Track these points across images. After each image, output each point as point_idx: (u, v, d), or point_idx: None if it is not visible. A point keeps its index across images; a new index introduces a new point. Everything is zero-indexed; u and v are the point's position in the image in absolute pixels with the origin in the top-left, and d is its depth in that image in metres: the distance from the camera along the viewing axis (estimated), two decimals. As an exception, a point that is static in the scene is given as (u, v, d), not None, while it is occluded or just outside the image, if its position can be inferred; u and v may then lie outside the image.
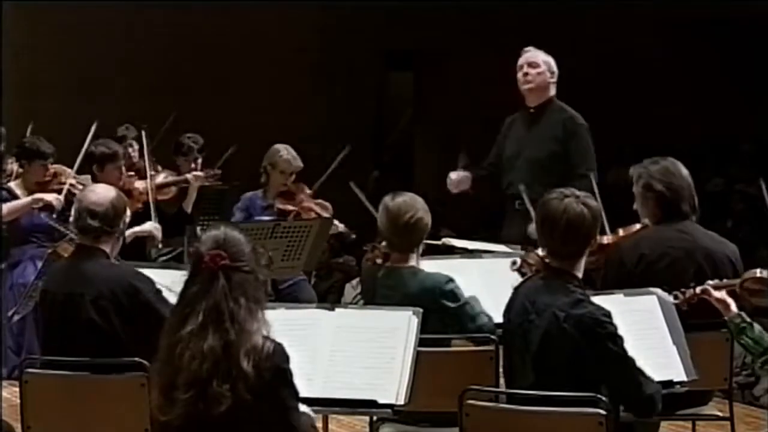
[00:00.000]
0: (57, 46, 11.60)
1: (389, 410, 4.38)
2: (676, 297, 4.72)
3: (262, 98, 12.36)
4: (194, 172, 8.24)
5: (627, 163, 5.64)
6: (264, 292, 3.70)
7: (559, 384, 4.02)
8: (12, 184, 7.56)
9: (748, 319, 4.59)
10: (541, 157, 6.78)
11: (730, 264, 5.12)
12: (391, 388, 4.33)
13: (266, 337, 3.61)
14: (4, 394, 6.02)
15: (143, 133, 8.05)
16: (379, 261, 5.01)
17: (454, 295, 4.88)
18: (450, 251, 6.21)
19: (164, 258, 8.22)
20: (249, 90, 12.40)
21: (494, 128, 7.23)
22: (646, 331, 4.48)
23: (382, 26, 13.01)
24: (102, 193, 4.92)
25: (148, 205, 7.53)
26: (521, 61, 6.92)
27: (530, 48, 6.97)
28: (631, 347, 4.11)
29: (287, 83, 12.65)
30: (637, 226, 5.37)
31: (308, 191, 7.76)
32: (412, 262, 4.99)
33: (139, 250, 7.23)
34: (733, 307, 4.63)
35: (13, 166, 7.84)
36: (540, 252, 4.29)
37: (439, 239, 6.41)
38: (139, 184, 7.80)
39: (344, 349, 4.46)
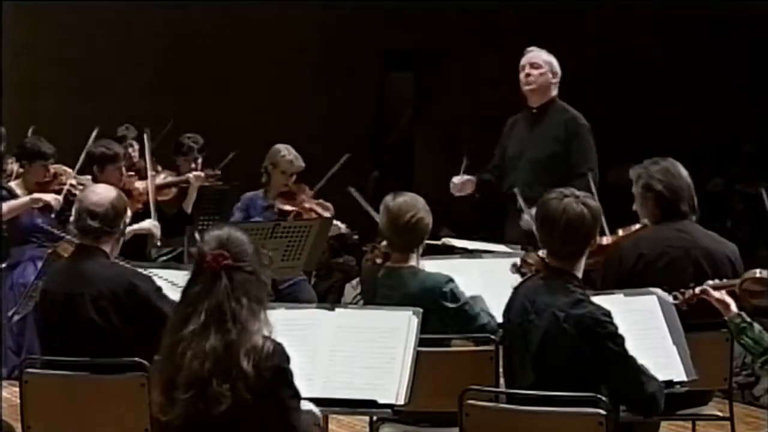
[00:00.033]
0: (57, 46, 11.60)
1: (389, 410, 4.37)
2: (675, 298, 4.72)
3: (262, 98, 12.37)
4: (194, 172, 8.24)
5: (627, 163, 5.65)
6: (266, 292, 3.70)
7: (559, 384, 4.02)
8: (12, 184, 7.56)
9: (749, 319, 4.58)
10: (542, 158, 6.77)
11: (729, 263, 5.12)
12: (391, 388, 4.33)
13: (266, 337, 3.61)
14: (4, 394, 6.02)
15: (145, 136, 8.05)
16: (379, 261, 5.02)
17: (453, 295, 4.88)
18: (450, 251, 6.21)
19: (164, 258, 8.22)
20: (249, 90, 12.40)
21: (494, 128, 7.22)
22: (646, 331, 4.48)
23: (382, 26, 13.01)
24: (102, 193, 4.92)
25: (148, 206, 7.53)
26: (523, 61, 6.91)
27: (533, 48, 6.95)
28: (631, 347, 4.11)
29: (287, 83, 12.65)
30: (637, 226, 5.38)
31: (309, 191, 7.76)
32: (412, 262, 4.99)
33: (139, 250, 7.23)
34: (733, 307, 4.63)
35: (13, 166, 7.84)
36: (541, 253, 4.29)
37: (439, 239, 6.41)
38: (139, 185, 7.80)
39: (344, 349, 4.46)
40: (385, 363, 4.39)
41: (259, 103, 12.29)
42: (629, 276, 5.05)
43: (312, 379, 4.29)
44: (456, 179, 7.02)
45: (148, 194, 7.61)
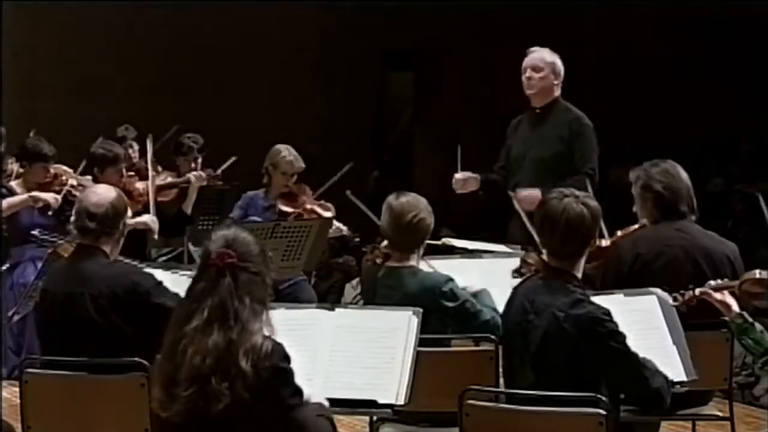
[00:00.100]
0: (57, 46, 11.60)
1: (389, 410, 4.38)
2: (675, 299, 4.72)
3: (262, 98, 12.37)
4: (195, 173, 8.24)
5: (627, 163, 5.64)
6: (269, 294, 3.72)
7: (559, 384, 4.02)
8: (13, 184, 7.56)
9: (750, 320, 4.58)
10: (546, 158, 6.75)
11: (728, 263, 5.11)
12: (391, 388, 4.34)
13: (266, 337, 3.62)
14: (4, 394, 6.02)
15: (148, 141, 8.06)
16: (379, 261, 5.02)
17: (453, 294, 4.88)
18: (450, 251, 6.20)
19: (164, 258, 8.22)
20: (249, 90, 12.40)
21: (494, 128, 7.21)
22: (646, 331, 4.48)
23: (382, 26, 13.01)
24: (102, 194, 4.92)
25: (148, 206, 7.53)
26: (525, 63, 6.84)
27: (535, 48, 6.89)
28: (632, 347, 4.11)
29: (287, 83, 12.65)
30: (635, 227, 5.37)
31: (310, 192, 7.76)
32: (413, 262, 4.99)
33: (139, 250, 7.23)
34: (735, 307, 4.62)
35: (13, 166, 7.84)
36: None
37: (439, 239, 6.40)
38: (139, 185, 7.80)
39: (344, 349, 4.46)
40: (385, 363, 4.39)
41: (259, 103, 12.29)
42: (628, 275, 5.05)
43: (312, 379, 4.28)
44: (458, 175, 6.96)
45: (148, 195, 7.61)
